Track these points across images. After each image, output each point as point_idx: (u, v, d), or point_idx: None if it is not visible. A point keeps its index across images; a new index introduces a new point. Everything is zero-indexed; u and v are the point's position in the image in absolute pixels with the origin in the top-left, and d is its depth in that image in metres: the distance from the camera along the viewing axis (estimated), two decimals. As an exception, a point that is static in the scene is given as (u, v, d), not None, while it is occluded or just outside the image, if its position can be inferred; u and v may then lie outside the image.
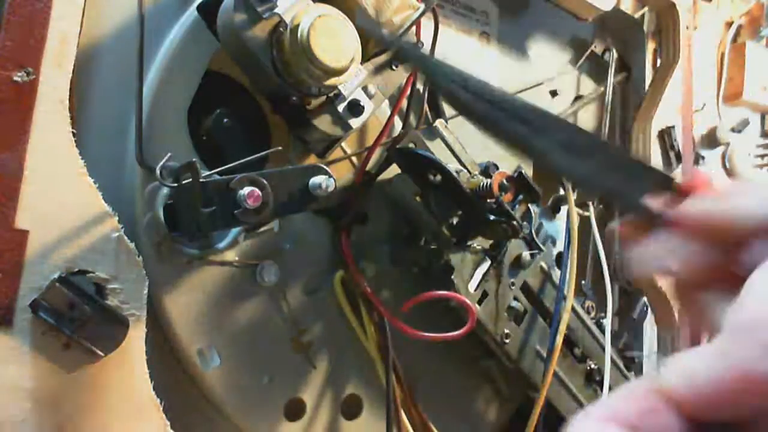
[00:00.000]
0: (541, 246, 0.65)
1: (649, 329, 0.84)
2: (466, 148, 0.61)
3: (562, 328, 0.62)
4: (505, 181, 0.56)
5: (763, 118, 1.11)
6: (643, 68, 0.86)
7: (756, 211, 0.25)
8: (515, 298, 0.63)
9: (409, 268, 0.61)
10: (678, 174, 0.84)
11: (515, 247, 0.63)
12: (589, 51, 0.83)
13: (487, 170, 0.60)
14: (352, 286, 0.57)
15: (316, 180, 0.46)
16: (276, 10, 0.46)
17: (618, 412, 0.21)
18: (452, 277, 0.58)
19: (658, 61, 0.87)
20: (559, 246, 0.73)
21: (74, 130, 0.43)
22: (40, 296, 0.41)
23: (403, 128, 0.62)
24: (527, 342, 0.64)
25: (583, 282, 0.76)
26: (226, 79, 0.54)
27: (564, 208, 0.75)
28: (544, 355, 0.63)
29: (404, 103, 0.61)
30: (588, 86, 0.84)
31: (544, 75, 0.78)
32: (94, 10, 0.48)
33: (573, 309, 0.65)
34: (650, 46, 0.86)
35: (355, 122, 0.52)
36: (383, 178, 0.60)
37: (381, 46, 0.52)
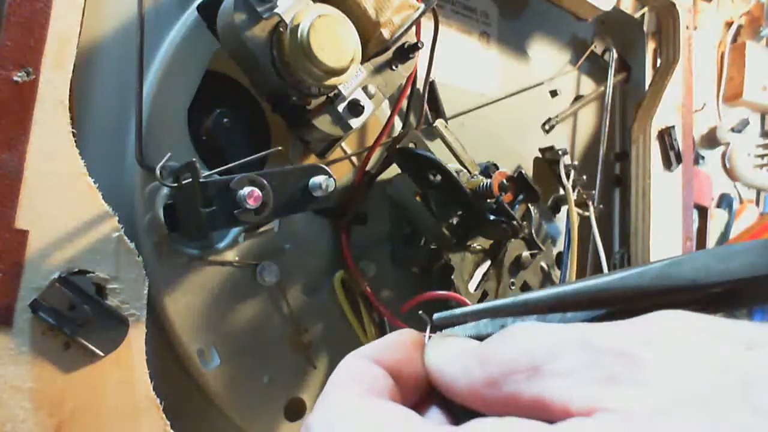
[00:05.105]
0: (541, 246, 0.65)
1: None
2: (466, 148, 0.61)
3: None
4: (505, 181, 0.56)
5: (763, 118, 1.11)
6: (643, 68, 0.86)
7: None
8: (515, 298, 0.63)
9: (409, 268, 0.61)
10: (678, 173, 0.85)
11: (515, 247, 0.63)
12: (589, 51, 0.83)
13: (487, 170, 0.59)
14: (352, 286, 0.57)
15: (316, 180, 0.46)
16: (276, 10, 0.46)
17: (383, 355, 0.24)
18: (452, 277, 0.58)
19: (658, 61, 0.87)
20: (559, 246, 0.73)
21: (74, 130, 0.43)
22: (40, 296, 0.41)
23: (403, 128, 0.62)
24: (527, 342, 0.64)
25: (583, 282, 0.76)
26: (226, 79, 0.54)
27: (564, 208, 0.74)
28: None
29: (404, 103, 0.61)
30: (588, 86, 0.84)
31: (544, 75, 0.78)
32: (94, 10, 0.48)
33: (573, 309, 0.65)
34: (650, 46, 0.86)
35: (355, 122, 0.52)
36: (383, 178, 0.60)
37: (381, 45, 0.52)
